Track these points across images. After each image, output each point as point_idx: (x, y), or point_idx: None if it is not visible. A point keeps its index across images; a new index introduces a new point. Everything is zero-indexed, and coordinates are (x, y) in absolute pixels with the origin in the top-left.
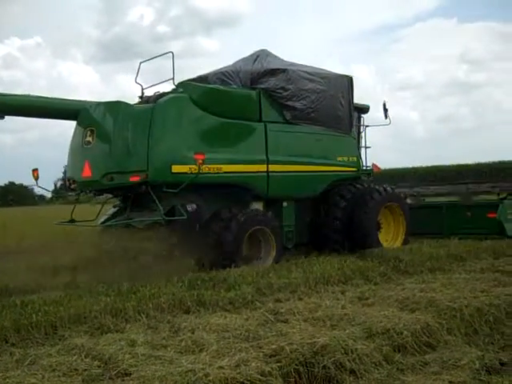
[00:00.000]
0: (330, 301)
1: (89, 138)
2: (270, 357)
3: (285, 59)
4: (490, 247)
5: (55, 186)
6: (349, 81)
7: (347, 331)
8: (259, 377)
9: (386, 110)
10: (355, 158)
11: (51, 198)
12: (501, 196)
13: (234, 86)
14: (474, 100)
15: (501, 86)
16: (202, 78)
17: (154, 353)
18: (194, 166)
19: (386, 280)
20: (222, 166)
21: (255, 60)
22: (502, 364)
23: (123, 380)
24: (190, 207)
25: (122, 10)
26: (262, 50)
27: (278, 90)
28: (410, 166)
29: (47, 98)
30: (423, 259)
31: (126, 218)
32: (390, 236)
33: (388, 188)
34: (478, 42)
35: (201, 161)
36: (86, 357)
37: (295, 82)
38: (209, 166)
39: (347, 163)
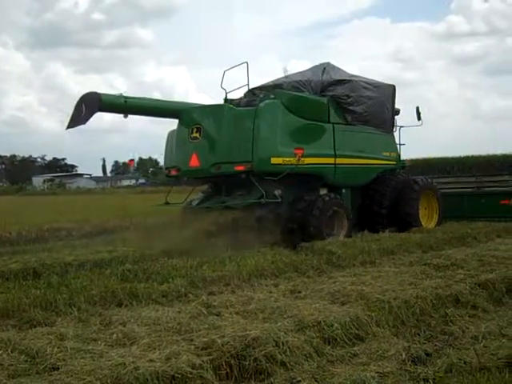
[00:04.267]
0: (263, 294)
1: (195, 134)
2: (201, 350)
3: (347, 71)
4: (419, 242)
5: None
6: (393, 89)
7: (279, 324)
8: (190, 370)
9: (418, 113)
10: (395, 154)
11: None
12: None
13: (307, 93)
14: (406, 97)
15: (432, 84)
16: (277, 85)
17: (83, 346)
18: (287, 158)
19: (319, 273)
20: (304, 158)
21: (323, 71)
22: (427, 355)
23: (50, 374)
24: (277, 192)
25: None
26: (328, 63)
27: (343, 97)
28: None
29: (159, 100)
30: (355, 253)
31: (222, 200)
32: (426, 218)
33: (427, 179)
34: (410, 41)
35: (300, 154)
36: (12, 351)
37: (356, 91)
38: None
39: (389, 157)
